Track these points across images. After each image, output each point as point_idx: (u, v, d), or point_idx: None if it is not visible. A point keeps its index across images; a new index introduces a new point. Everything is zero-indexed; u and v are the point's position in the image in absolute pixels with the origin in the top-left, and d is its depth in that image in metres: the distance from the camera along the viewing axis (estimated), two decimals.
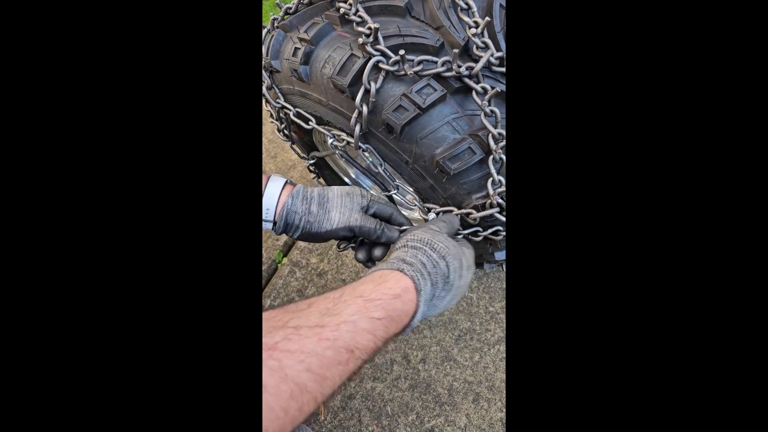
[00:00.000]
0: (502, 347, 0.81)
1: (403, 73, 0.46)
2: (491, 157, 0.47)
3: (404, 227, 0.54)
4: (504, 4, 0.49)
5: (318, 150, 0.76)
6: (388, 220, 0.54)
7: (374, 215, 0.53)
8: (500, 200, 0.49)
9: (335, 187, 0.53)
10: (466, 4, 0.47)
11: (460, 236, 0.54)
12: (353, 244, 0.55)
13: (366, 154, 0.55)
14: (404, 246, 0.44)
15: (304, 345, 0.31)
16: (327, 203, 0.51)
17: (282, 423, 0.28)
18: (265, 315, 0.33)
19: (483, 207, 0.51)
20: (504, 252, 0.66)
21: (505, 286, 0.88)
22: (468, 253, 0.49)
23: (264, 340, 0.30)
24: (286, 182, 0.52)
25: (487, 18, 0.46)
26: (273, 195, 0.50)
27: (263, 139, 1.21)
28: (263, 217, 0.50)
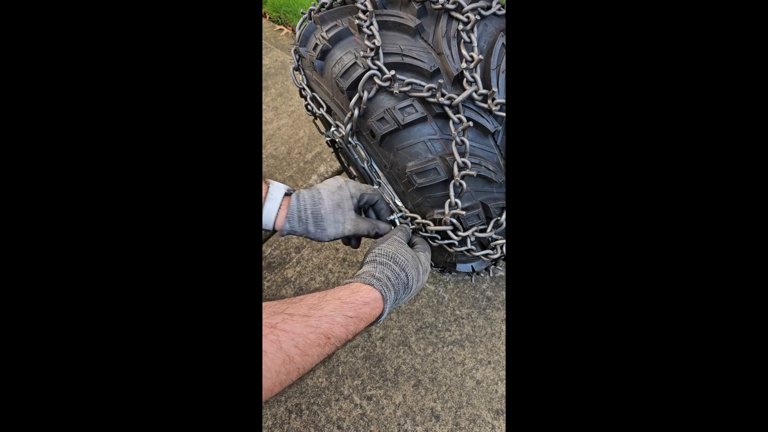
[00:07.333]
0: (455, 348, 0.87)
1: (392, 90, 0.52)
2: (452, 182, 0.52)
3: (391, 217, 0.63)
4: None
5: None
6: (374, 206, 0.63)
7: (365, 205, 0.62)
8: (454, 221, 0.54)
9: (325, 194, 0.59)
10: (468, 37, 0.51)
11: (419, 237, 0.61)
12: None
13: (357, 149, 0.61)
14: (373, 261, 0.53)
15: (294, 327, 0.41)
16: (322, 222, 0.58)
17: (274, 382, 0.38)
18: (268, 303, 0.43)
19: (440, 222, 0.56)
20: (466, 265, 0.71)
21: (477, 295, 0.93)
22: (423, 258, 0.57)
23: (267, 320, 0.40)
24: (283, 197, 0.58)
25: (480, 56, 0.50)
26: (270, 212, 0.57)
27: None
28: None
